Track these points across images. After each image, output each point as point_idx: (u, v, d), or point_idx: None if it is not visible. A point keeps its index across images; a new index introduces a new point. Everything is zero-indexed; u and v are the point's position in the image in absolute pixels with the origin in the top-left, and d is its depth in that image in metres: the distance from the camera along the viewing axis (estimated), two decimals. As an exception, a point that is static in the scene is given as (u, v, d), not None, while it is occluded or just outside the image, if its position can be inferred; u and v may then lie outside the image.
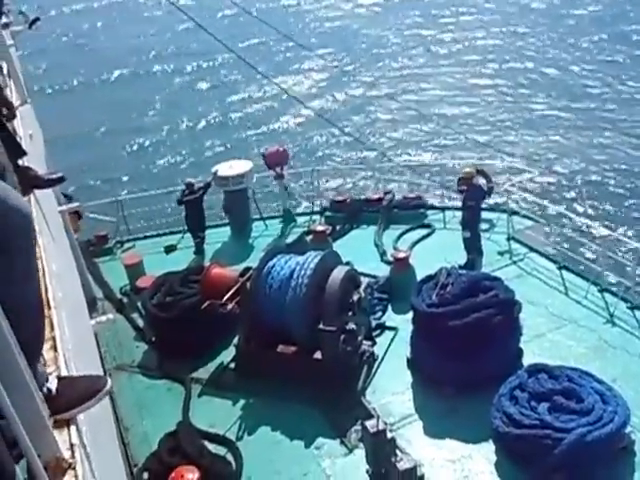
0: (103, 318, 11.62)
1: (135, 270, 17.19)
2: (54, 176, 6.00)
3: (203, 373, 13.74)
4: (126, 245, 19.92)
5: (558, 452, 9.46)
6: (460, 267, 15.09)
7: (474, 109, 39.69)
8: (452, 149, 34.24)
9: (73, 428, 2.84)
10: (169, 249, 19.53)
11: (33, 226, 2.77)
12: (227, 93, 45.91)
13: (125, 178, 34.18)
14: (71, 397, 2.88)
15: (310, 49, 35.26)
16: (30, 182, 5.50)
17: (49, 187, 6.57)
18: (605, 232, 17.06)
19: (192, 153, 37.59)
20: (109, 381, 3.00)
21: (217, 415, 12.42)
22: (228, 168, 19.73)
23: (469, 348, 11.57)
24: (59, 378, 2.98)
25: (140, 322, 15.71)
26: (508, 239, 17.23)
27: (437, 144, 35.35)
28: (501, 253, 16.77)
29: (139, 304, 15.74)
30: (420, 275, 14.02)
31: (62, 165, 32.41)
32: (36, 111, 13.94)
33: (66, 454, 2.66)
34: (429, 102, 41.11)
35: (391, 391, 12.47)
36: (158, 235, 20.08)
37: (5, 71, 10.76)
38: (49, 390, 2.84)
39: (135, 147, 39.58)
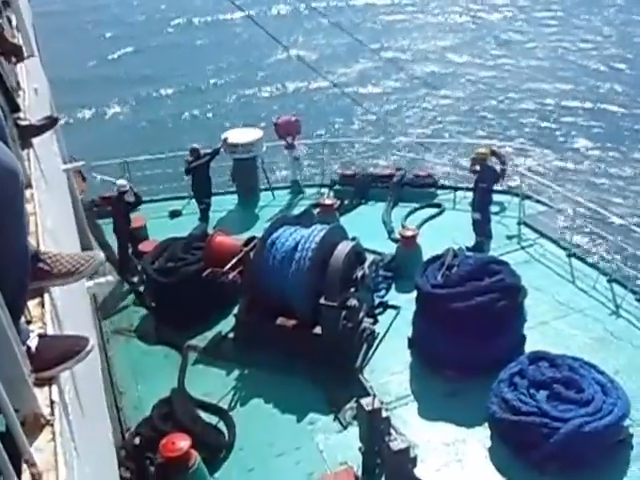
0: (102, 280, 11.57)
1: (137, 234, 17.13)
2: (44, 121, 5.95)
3: (201, 341, 13.76)
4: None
5: (554, 441, 9.48)
6: (468, 249, 15.10)
7: (493, 89, 39.34)
8: (467, 129, 33.98)
9: (55, 386, 2.83)
10: (174, 214, 19.51)
11: (20, 180, 2.71)
12: (243, 59, 45.61)
13: (133, 139, 34.01)
14: (50, 356, 2.87)
15: (330, 21, 34.84)
16: (24, 133, 5.45)
17: (43, 132, 6.49)
18: (618, 222, 16.92)
19: (203, 118, 37.44)
20: (91, 342, 2.97)
21: (212, 384, 12.47)
22: (238, 135, 19.65)
23: (471, 332, 11.54)
24: (40, 336, 2.96)
25: (140, 286, 15.71)
26: (518, 223, 17.13)
27: (452, 123, 35.10)
28: (510, 237, 16.69)
29: (140, 268, 15.71)
30: (427, 255, 13.98)
31: (69, 123, 32.50)
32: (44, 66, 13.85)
33: (45, 411, 2.65)
34: (448, 80, 40.79)
35: (390, 370, 12.48)
36: (163, 199, 20.00)
37: (14, 23, 10.66)
38: (28, 347, 2.83)
39: (145, 109, 39.45)
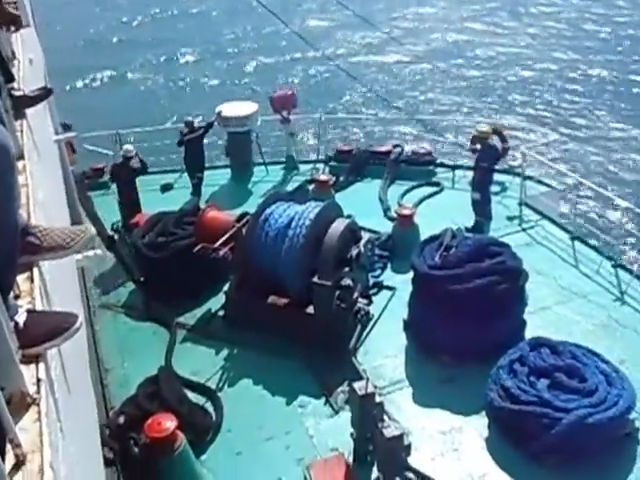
0: (91, 253, 11.33)
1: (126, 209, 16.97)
2: (38, 92, 6.00)
3: (190, 319, 13.65)
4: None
5: (555, 433, 9.16)
6: (467, 230, 14.97)
7: (495, 64, 39.03)
8: (468, 105, 33.71)
9: (41, 363, 2.85)
10: (165, 188, 19.46)
11: (11, 156, 2.80)
12: (239, 31, 45.21)
13: (125, 111, 33.60)
14: (38, 333, 2.88)
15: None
16: (18, 103, 5.53)
17: (37, 103, 6.45)
18: (624, 204, 16.56)
19: (197, 90, 37.12)
20: (80, 319, 3.01)
21: (201, 363, 12.33)
22: (232, 108, 19.63)
23: (469, 315, 11.29)
24: (28, 311, 2.98)
25: (130, 261, 15.41)
26: (520, 204, 16.94)
27: (453, 99, 34.86)
28: (511, 218, 16.51)
29: (130, 242, 15.43)
30: (424, 235, 13.83)
31: (62, 93, 32.02)
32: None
33: (31, 389, 2.67)
34: (447, 54, 40.49)
35: (384, 354, 12.27)
36: (155, 172, 19.71)
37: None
38: (16, 323, 2.84)
39: (138, 80, 39.01)
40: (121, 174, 16.81)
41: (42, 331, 2.90)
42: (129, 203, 16.73)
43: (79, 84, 37.36)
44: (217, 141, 20.59)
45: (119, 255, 15.66)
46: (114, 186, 19.28)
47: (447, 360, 11.59)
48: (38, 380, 2.74)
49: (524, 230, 16.02)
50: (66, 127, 16.59)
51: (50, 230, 3.34)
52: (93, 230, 3.43)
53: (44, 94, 5.99)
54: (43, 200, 4.90)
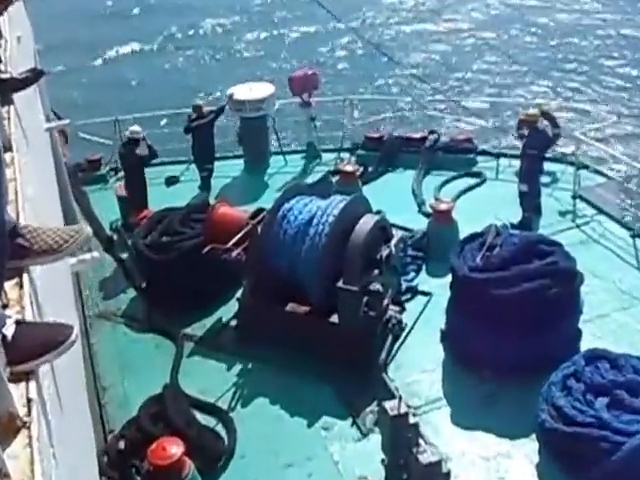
0: (87, 256, 11.35)
1: (129, 203, 17.10)
2: (27, 74, 6.01)
3: (198, 329, 13.73)
4: (121, 173, 19.71)
5: (616, 459, 9.07)
6: (513, 226, 15.01)
7: (545, 37, 38.83)
8: (514, 86, 33.61)
9: (32, 381, 2.84)
10: (170, 181, 19.54)
11: None
12: (253, 4, 45.22)
13: (125, 94, 33.81)
14: (28, 347, 2.86)
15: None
16: (5, 87, 5.64)
17: (26, 87, 6.53)
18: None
19: (206, 69, 37.25)
20: (75, 332, 2.98)
21: (211, 380, 12.39)
22: (246, 91, 19.69)
23: (516, 324, 11.28)
24: (18, 323, 2.95)
25: (130, 264, 15.52)
26: (573, 197, 16.89)
27: (497, 78, 34.70)
28: (563, 213, 16.46)
29: (130, 243, 15.52)
30: (464, 232, 13.85)
31: (54, 75, 32.26)
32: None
33: (21, 411, 2.66)
34: (491, 27, 40.35)
35: (419, 368, 12.28)
36: (159, 164, 19.82)
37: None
38: (4, 336, 2.82)
39: (140, 60, 39.22)
40: (127, 160, 16.90)
41: (33, 345, 2.89)
42: (133, 197, 16.80)
43: (73, 64, 37.55)
44: (229, 128, 20.60)
45: (118, 258, 15.78)
46: (112, 180, 19.47)
47: (490, 375, 11.52)
48: (29, 400, 2.72)
49: (578, 227, 15.95)
50: (58, 117, 16.76)
51: (41, 231, 3.34)
52: (89, 230, 3.45)
53: (34, 76, 6.00)
54: (33, 196, 4.93)
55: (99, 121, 20.79)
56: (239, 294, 13.51)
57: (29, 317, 3.20)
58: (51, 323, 3.27)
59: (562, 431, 9.71)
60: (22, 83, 5.93)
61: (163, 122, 21.45)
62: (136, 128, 17.02)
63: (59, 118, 16.62)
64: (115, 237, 16.44)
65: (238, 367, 12.63)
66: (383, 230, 12.80)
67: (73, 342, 2.98)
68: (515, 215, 15.71)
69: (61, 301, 6.77)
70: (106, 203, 17.53)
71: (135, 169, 16.90)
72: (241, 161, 20.10)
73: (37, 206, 5.16)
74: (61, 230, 3.40)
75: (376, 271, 12.29)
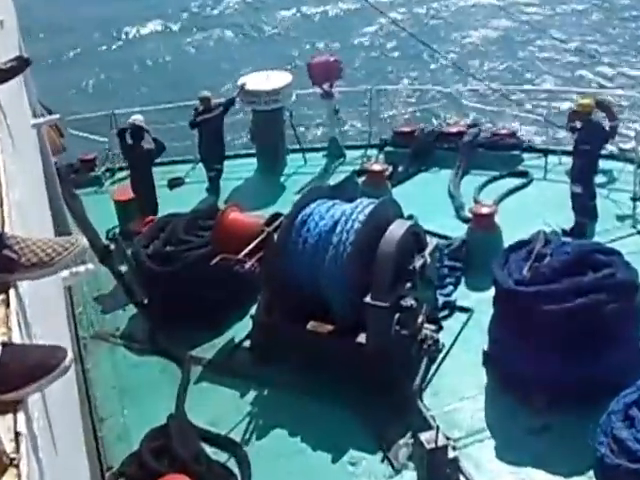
0: (80, 269, 11.42)
1: (128, 208, 17.29)
2: (12, 63, 5.94)
3: (208, 351, 13.78)
4: (118, 174, 19.96)
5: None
6: (564, 233, 15.01)
7: (597, 21, 38.58)
8: (564, 72, 33.48)
9: (21, 412, 2.80)
10: (174, 183, 19.63)
11: None
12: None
13: (122, 84, 34.00)
14: (16, 373, 2.83)
15: None
16: None
17: (11, 78, 6.52)
18: None
19: (214, 57, 37.39)
20: (69, 355, 2.96)
21: (222, 409, 12.42)
22: (260, 81, 19.70)
23: (569, 344, 11.26)
24: (4, 345, 2.91)
25: (130, 277, 15.58)
26: (633, 199, 16.76)
27: (543, 64, 34.60)
28: (622, 218, 16.37)
29: (130, 253, 15.58)
30: (508, 240, 13.84)
31: (42, 63, 32.52)
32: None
33: (8, 446, 2.60)
34: (535, 5, 40.09)
35: (458, 395, 12.25)
36: (161, 164, 19.85)
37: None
38: None
39: (139, 45, 39.39)
40: (129, 157, 17.01)
41: (21, 371, 2.85)
42: (138, 200, 16.89)
43: (64, 51, 37.82)
44: (240, 122, 20.64)
45: (116, 270, 15.85)
46: (108, 182, 19.55)
47: (541, 403, 11.50)
48: (17, 434, 2.68)
49: (639, 233, 15.86)
50: (47, 111, 16.88)
51: (31, 241, 3.32)
52: (85, 241, 3.42)
53: (19, 66, 5.90)
54: (19, 201, 4.92)
55: (93, 115, 20.90)
56: (253, 311, 13.52)
57: (16, 339, 3.16)
58: (42, 345, 3.23)
59: (625, 468, 9.60)
60: (6, 73, 5.86)
61: (165, 116, 21.48)
62: (138, 117, 17.08)
63: (50, 112, 16.78)
64: (112, 247, 16.53)
65: (252, 394, 12.64)
66: (416, 237, 12.77)
67: (67, 367, 2.96)
68: (567, 220, 15.65)
69: (52, 320, 6.79)
70: (102, 208, 17.64)
71: (141, 166, 16.98)
72: (254, 160, 20.14)
73: (24, 213, 5.17)
74: (53, 241, 3.39)
75: (409, 284, 12.26)
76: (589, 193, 15.75)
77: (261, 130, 19.80)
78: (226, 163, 18.95)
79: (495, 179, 18.21)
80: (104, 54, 37.94)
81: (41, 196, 11.36)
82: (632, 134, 17.82)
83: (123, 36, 40.11)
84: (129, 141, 17.05)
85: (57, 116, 16.01)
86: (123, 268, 15.84)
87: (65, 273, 11.03)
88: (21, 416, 2.78)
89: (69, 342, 9.76)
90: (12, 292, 3.42)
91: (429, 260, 12.70)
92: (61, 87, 30.02)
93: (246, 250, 12.57)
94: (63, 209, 16.39)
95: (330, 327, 12.62)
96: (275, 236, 12.88)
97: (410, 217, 13.52)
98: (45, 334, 4.35)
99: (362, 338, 12.22)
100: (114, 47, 39.28)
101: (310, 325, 12.75)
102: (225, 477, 10.94)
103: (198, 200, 17.93)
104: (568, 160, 16.64)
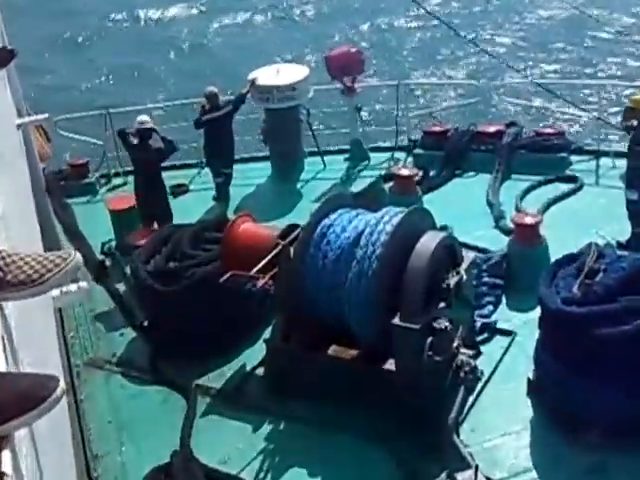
0: (73, 288, 11.43)
1: (125, 219, 17.37)
2: None
3: (216, 380, 13.77)
4: (114, 181, 19.97)
5: None
6: (619, 245, 14.91)
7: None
8: (618, 64, 33.33)
9: (7, 450, 2.83)
10: (178, 191, 19.79)
11: None
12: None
13: (119, 81, 34.12)
14: (2, 405, 2.86)
15: None
16: None
17: None
18: None
19: (222, 47, 37.36)
20: (61, 385, 2.98)
21: (232, 445, 12.37)
22: (273, 75, 19.80)
23: (628, 373, 11.16)
24: None
25: (128, 297, 15.65)
26: None
27: (593, 56, 34.52)
28: None
29: (128, 270, 15.60)
30: (555, 253, 13.77)
31: (28, 57, 32.70)
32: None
33: None
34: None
35: (500, 429, 12.17)
36: (163, 169, 19.78)
37: None
38: None
39: (137, 37, 39.54)
40: (140, 158, 17.08)
41: (7, 402, 2.87)
42: (146, 208, 17.02)
43: (53, 43, 38.02)
44: (252, 122, 20.66)
45: (113, 289, 15.88)
46: (103, 190, 19.61)
47: (595, 439, 11.36)
48: (2, 475, 2.69)
49: None
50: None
51: (18, 257, 3.33)
52: (79, 256, 3.40)
53: (3, 58, 6.07)
54: (3, 211, 4.99)
55: (85, 115, 20.97)
56: (267, 335, 13.55)
57: (2, 366, 3.19)
58: (30, 374, 3.24)
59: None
60: None
61: (167, 114, 21.55)
62: (145, 117, 17.13)
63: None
64: (108, 262, 16.58)
65: (267, 428, 12.58)
66: (450, 251, 12.68)
67: (59, 398, 2.97)
68: (622, 231, 15.63)
69: (42, 345, 6.81)
70: (96, 219, 17.75)
71: (150, 168, 17.14)
72: (267, 164, 20.25)
73: (8, 224, 5.18)
74: (43, 256, 3.37)
75: (442, 304, 12.17)
76: (647, 200, 15.78)
77: (275, 130, 19.80)
78: (235, 168, 18.97)
79: (540, 185, 18.22)
80: (102, 47, 38.11)
81: (27, 205, 11.40)
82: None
83: (117, 22, 40.29)
84: (134, 141, 17.06)
85: (45, 115, 16.08)
86: (120, 287, 15.93)
87: (56, 292, 11.03)
88: (6, 454, 2.79)
89: (60, 370, 9.77)
90: None
91: (465, 277, 12.62)
92: (49, 83, 30.14)
93: (259, 266, 12.51)
94: (52, 220, 16.47)
95: (354, 352, 12.65)
96: (291, 250, 12.85)
97: (444, 228, 13.53)
98: (33, 361, 4.43)
99: (390, 365, 12.21)
100: (106, 36, 39.45)
101: (331, 350, 12.78)
102: (235, 523, 10.99)
103: (204, 210, 18.00)
104: (622, 163, 16.57)
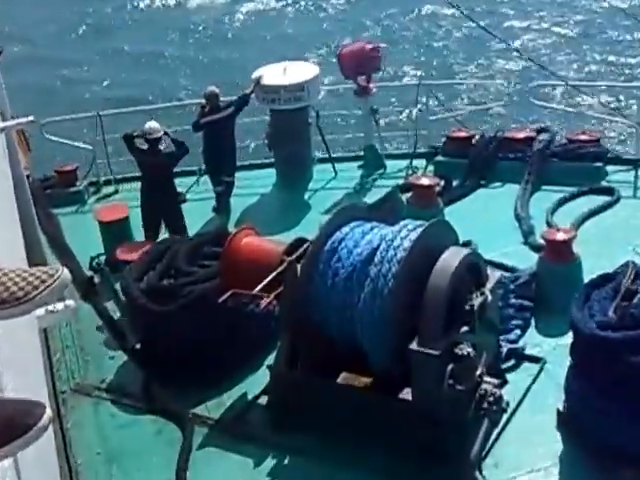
0: (59, 306, 11.50)
1: (116, 231, 17.44)
2: None
3: (214, 409, 13.75)
4: (105, 189, 19.97)
5: None
6: None
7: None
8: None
9: None
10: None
11: None
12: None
13: (109, 81, 34.23)
14: None
15: None
16: None
17: None
18: None
19: (222, 43, 37.46)
20: (47, 412, 2.99)
21: (232, 479, 12.41)
22: (279, 73, 19.81)
23: None
24: None
25: (119, 317, 15.74)
26: None
27: (630, 57, 34.44)
28: None
29: (119, 287, 15.67)
30: (589, 273, 13.74)
31: (14, 56, 32.90)
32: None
33: None
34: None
35: (527, 466, 12.12)
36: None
37: None
38: None
39: (130, 33, 39.70)
40: (150, 164, 17.17)
41: None
42: (153, 217, 17.13)
43: (41, 41, 38.22)
44: (256, 125, 20.70)
45: (102, 308, 15.95)
46: (92, 199, 19.68)
47: (632, 476, 11.40)
48: None
49: None
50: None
51: (1, 272, 3.33)
52: (66, 272, 3.35)
53: None
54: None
55: (74, 117, 21.05)
56: (271, 360, 13.48)
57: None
58: (13, 400, 3.25)
59: None
60: None
61: (163, 117, 21.60)
62: (154, 125, 17.19)
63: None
64: (97, 279, 16.65)
65: (270, 462, 12.56)
66: (474, 270, 12.72)
67: (45, 427, 2.97)
68: (663, 248, 15.65)
69: (25, 369, 6.89)
70: (84, 231, 17.81)
71: (161, 174, 17.25)
72: (272, 171, 20.29)
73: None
74: (28, 272, 3.33)
75: (465, 328, 12.19)
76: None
77: (281, 134, 19.81)
78: (237, 175, 19.00)
79: (573, 197, 18.21)
80: (92, 44, 38.30)
81: (10, 216, 11.48)
82: None
83: (116, 24, 40.51)
84: (143, 146, 17.17)
85: (30, 118, 16.17)
86: (110, 306, 15.98)
87: (41, 312, 11.14)
88: None
89: (46, 396, 9.85)
90: None
91: (490, 297, 12.62)
92: (35, 84, 30.27)
93: (262, 284, 12.52)
94: (37, 231, 16.54)
95: (367, 380, 12.65)
96: (298, 267, 12.86)
97: (467, 244, 13.59)
98: (17, 386, 4.43)
99: (407, 394, 12.21)
100: (98, 33, 39.64)
101: (342, 378, 12.80)
102: None
103: (203, 221, 18.02)
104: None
